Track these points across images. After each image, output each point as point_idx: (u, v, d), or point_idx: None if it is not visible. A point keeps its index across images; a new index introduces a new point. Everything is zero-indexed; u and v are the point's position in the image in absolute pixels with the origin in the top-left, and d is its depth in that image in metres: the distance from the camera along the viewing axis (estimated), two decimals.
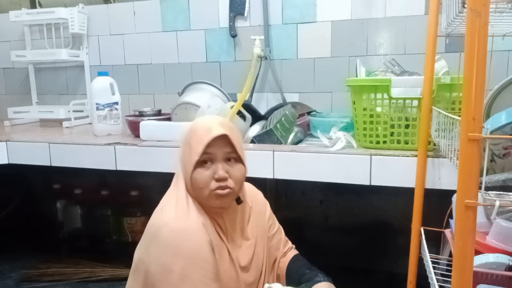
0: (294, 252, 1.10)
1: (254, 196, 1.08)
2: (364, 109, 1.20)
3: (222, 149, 0.89)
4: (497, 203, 0.62)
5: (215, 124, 0.90)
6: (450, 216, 1.02)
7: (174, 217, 0.88)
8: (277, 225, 1.11)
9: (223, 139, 0.89)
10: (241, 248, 0.97)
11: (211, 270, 0.85)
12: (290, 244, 1.12)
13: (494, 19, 0.85)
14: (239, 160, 0.92)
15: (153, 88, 2.08)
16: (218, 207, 0.93)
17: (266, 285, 0.91)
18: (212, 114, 1.36)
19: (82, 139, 1.56)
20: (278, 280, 1.06)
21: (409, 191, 1.11)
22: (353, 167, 1.17)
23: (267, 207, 1.10)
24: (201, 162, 0.89)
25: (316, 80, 1.81)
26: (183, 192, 0.92)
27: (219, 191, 0.89)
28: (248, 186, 1.07)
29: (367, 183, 1.17)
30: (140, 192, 2.02)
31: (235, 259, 0.94)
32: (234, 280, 0.93)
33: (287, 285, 1.03)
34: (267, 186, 1.76)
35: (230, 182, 0.90)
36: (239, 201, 0.98)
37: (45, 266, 1.83)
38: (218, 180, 0.89)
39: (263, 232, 1.04)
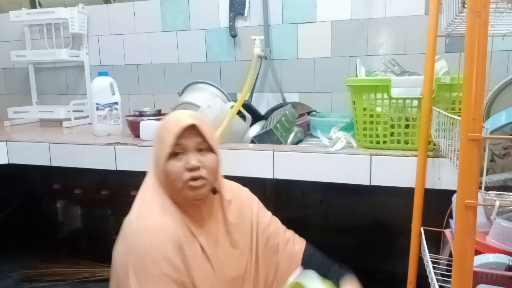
0: (302, 242, 1.08)
1: (238, 193, 1.07)
2: (364, 109, 1.20)
3: (193, 139, 0.90)
4: (497, 203, 0.62)
5: (184, 115, 0.91)
6: (450, 216, 1.02)
7: (137, 216, 0.89)
8: (269, 215, 1.09)
9: (193, 130, 0.90)
10: (221, 243, 0.97)
11: (173, 268, 0.85)
12: (290, 231, 1.10)
13: (494, 19, 0.85)
14: (210, 149, 0.92)
15: (153, 88, 2.08)
16: (194, 199, 0.93)
17: (298, 270, 0.90)
18: (212, 114, 1.36)
19: (82, 139, 1.56)
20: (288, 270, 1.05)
21: (409, 191, 1.11)
22: (353, 167, 1.17)
23: (254, 202, 1.08)
24: (173, 154, 0.89)
25: (316, 80, 1.81)
26: (149, 190, 0.93)
27: (193, 183, 0.89)
28: (231, 184, 1.06)
29: (367, 183, 1.17)
30: None
31: (210, 255, 0.93)
32: (210, 276, 0.93)
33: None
34: (267, 186, 1.76)
35: (203, 172, 0.90)
36: (215, 191, 0.98)
37: (45, 266, 1.83)
38: (191, 170, 0.89)
39: (249, 228, 1.03)
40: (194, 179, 0.90)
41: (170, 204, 0.92)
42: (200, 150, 0.91)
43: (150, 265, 0.83)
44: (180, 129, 0.88)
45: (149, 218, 0.89)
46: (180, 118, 0.90)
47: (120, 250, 0.87)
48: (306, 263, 1.04)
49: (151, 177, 0.95)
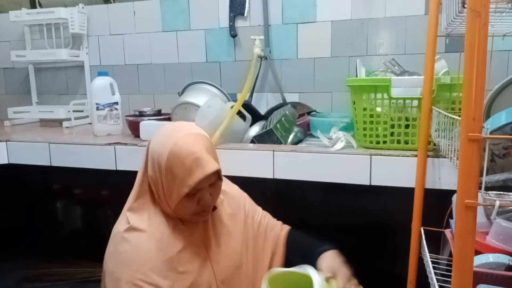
0: (287, 227, 1.12)
1: (230, 190, 1.08)
2: (364, 109, 1.20)
3: (210, 177, 0.87)
4: (497, 203, 0.62)
5: (202, 151, 0.85)
6: (450, 216, 1.02)
7: (132, 227, 0.90)
8: (260, 210, 1.12)
9: None
10: (216, 238, 0.98)
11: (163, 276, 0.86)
12: (280, 224, 1.14)
13: (494, 19, 0.85)
14: (219, 177, 0.91)
15: (153, 88, 2.08)
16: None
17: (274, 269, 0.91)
18: (212, 114, 1.36)
19: (82, 139, 1.56)
20: (274, 254, 1.07)
21: (409, 191, 1.11)
22: (353, 167, 1.17)
23: (246, 199, 1.10)
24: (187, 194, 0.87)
25: (316, 80, 1.81)
26: (148, 202, 0.93)
27: (201, 214, 0.91)
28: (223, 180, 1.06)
29: (367, 183, 1.17)
30: None
31: (215, 267, 0.95)
32: (208, 268, 0.95)
33: (291, 256, 1.03)
34: (267, 186, 1.76)
35: (212, 202, 0.91)
36: (214, 207, 0.99)
37: (45, 266, 1.83)
38: (204, 206, 0.90)
39: (242, 226, 1.04)
40: (204, 211, 0.91)
41: (168, 219, 0.92)
42: (211, 184, 0.90)
43: (143, 277, 0.84)
44: (204, 177, 0.85)
45: (145, 232, 0.89)
46: (199, 158, 0.84)
47: (112, 262, 0.88)
48: (290, 243, 1.07)
49: (146, 185, 0.93)
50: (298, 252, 1.02)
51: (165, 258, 0.87)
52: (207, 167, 0.85)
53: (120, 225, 0.92)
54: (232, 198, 1.06)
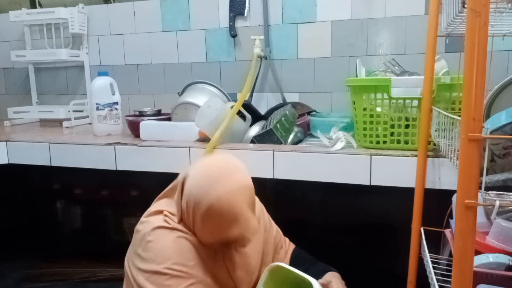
0: (292, 246, 1.13)
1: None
2: (364, 109, 1.20)
3: None
4: (497, 203, 0.62)
5: (244, 211, 0.84)
6: (450, 216, 1.02)
7: (174, 227, 0.89)
8: (274, 226, 1.12)
9: None
10: (239, 252, 0.98)
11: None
12: (287, 239, 1.15)
13: (494, 19, 0.85)
14: None
15: (153, 88, 2.08)
16: None
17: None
18: (212, 114, 1.36)
19: (82, 139, 1.56)
20: None
21: (409, 191, 1.11)
22: (353, 167, 1.17)
23: (263, 210, 1.10)
24: None
25: (316, 80, 1.81)
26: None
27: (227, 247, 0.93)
28: None
29: (367, 183, 1.17)
30: (140, 192, 2.02)
31: (234, 278, 0.96)
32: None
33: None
34: (267, 186, 1.76)
35: None
36: None
37: (45, 266, 1.83)
38: (230, 242, 0.92)
39: (261, 239, 1.04)
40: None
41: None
42: None
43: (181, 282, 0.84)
44: (241, 236, 0.87)
45: (180, 234, 0.89)
46: (241, 218, 0.83)
47: (152, 261, 0.86)
48: (293, 261, 1.07)
49: (171, 204, 0.93)
50: (302, 267, 1.03)
51: (196, 261, 0.88)
52: (247, 230, 0.86)
53: (155, 223, 0.88)
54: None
